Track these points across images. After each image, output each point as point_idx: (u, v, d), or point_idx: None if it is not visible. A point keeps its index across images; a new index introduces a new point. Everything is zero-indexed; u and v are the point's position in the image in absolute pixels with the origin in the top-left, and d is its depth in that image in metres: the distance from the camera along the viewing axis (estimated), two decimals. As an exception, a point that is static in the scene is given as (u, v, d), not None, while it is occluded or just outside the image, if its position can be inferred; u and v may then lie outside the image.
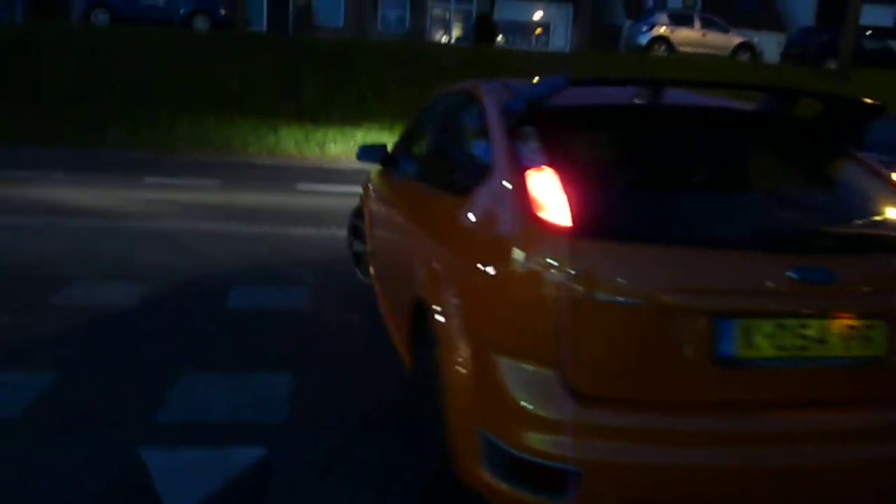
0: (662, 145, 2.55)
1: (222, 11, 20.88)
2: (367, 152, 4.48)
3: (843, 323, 2.08)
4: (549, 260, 2.01)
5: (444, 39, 29.91)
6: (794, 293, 2.04)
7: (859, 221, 2.33)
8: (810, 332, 2.06)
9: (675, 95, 2.71)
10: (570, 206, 2.06)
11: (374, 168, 5.25)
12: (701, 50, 22.55)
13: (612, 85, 2.58)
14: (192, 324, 4.29)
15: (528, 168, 2.25)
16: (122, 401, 3.24)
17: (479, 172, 2.51)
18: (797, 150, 2.65)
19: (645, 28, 22.79)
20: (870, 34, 24.73)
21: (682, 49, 22.52)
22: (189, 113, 14.65)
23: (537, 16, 32.30)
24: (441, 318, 2.37)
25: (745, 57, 23.19)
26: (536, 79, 2.97)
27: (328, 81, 18.80)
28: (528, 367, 2.06)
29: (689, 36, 22.64)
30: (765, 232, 2.21)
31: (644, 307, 1.99)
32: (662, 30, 22.58)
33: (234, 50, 18.24)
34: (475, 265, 2.24)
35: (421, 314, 2.69)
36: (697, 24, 23.05)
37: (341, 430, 3.07)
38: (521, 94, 2.55)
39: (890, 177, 2.50)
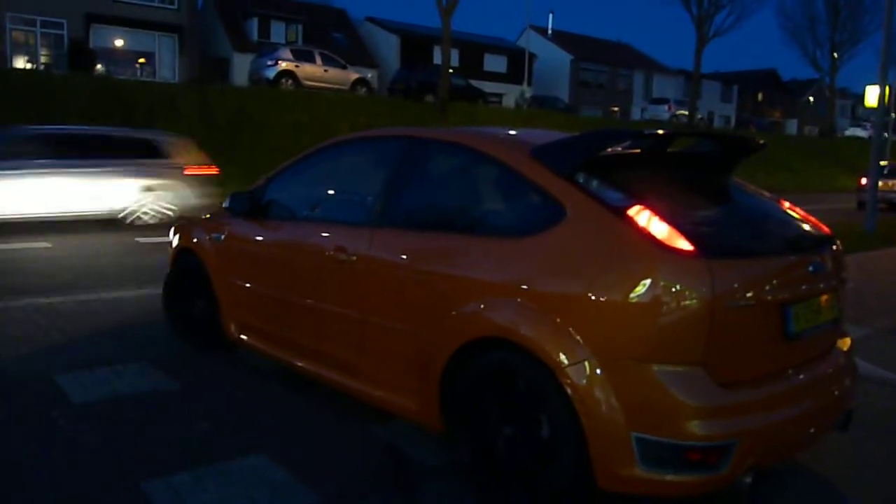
0: (685, 178, 3.13)
1: None
2: (237, 201, 4.17)
3: (826, 298, 2.92)
4: (688, 280, 2.42)
5: (29, 65, 26.13)
6: (812, 281, 2.82)
7: (793, 226, 3.21)
8: (817, 307, 2.86)
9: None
10: (680, 233, 2.50)
11: (202, 219, 4.76)
12: (324, 84, 23.99)
13: (626, 136, 3.00)
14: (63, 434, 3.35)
15: (619, 206, 2.61)
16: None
17: (541, 215, 2.77)
18: (726, 177, 3.41)
19: (270, 62, 23.31)
20: (453, 73, 29.04)
21: (307, 83, 23.66)
22: None
23: (139, 44, 30.40)
24: (560, 349, 2.53)
25: (362, 91, 25.36)
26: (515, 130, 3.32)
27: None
28: (680, 368, 2.44)
29: (312, 71, 23.87)
30: (788, 239, 2.94)
31: (754, 307, 2.54)
32: (287, 64, 23.38)
33: None
34: (599, 294, 2.50)
35: (479, 356, 2.79)
36: (319, 60, 24.42)
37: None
38: (559, 145, 2.89)
39: (771, 195, 3.45)
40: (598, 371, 2.49)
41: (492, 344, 2.78)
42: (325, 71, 24.21)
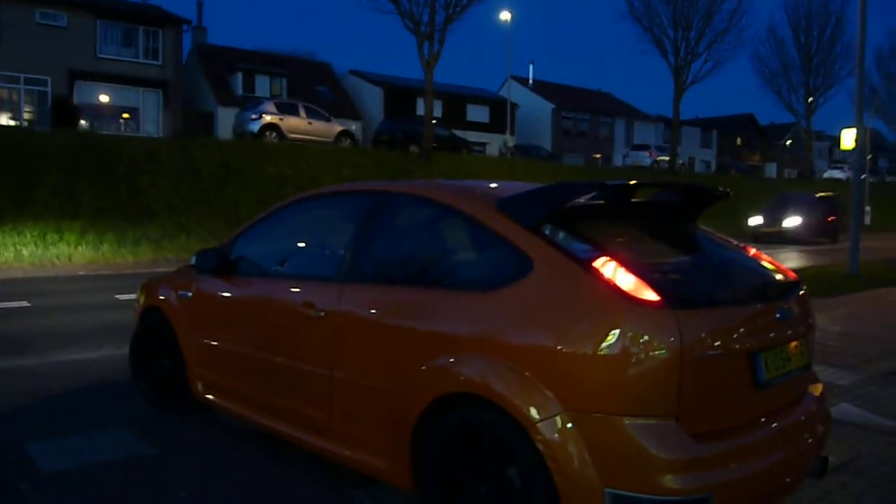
0: (650, 228, 3.14)
1: None
2: (204, 258, 4.12)
3: (795, 344, 2.91)
4: (656, 331, 2.39)
5: (12, 122, 26.20)
6: (780, 328, 2.81)
7: (759, 273, 3.21)
8: (787, 354, 2.84)
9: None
10: (647, 283, 2.48)
11: (169, 276, 4.71)
12: (308, 137, 24.17)
13: (590, 188, 3.01)
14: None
15: (585, 258, 2.60)
16: None
17: (509, 268, 2.75)
18: (691, 225, 3.43)
19: (254, 116, 23.49)
20: (436, 123, 29.38)
21: (291, 136, 23.82)
22: None
23: (123, 100, 30.60)
24: (530, 404, 2.48)
25: (346, 143, 25.56)
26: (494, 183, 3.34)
27: None
28: (653, 421, 2.39)
29: (296, 124, 24.05)
30: (754, 287, 2.94)
31: (724, 356, 2.52)
32: (271, 118, 23.58)
33: None
34: (568, 346, 2.47)
35: (450, 413, 2.74)
36: (303, 112, 24.65)
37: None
38: (524, 197, 2.89)
39: (735, 242, 3.46)
40: (569, 426, 2.44)
41: (462, 400, 2.73)
42: (310, 123, 24.41)
